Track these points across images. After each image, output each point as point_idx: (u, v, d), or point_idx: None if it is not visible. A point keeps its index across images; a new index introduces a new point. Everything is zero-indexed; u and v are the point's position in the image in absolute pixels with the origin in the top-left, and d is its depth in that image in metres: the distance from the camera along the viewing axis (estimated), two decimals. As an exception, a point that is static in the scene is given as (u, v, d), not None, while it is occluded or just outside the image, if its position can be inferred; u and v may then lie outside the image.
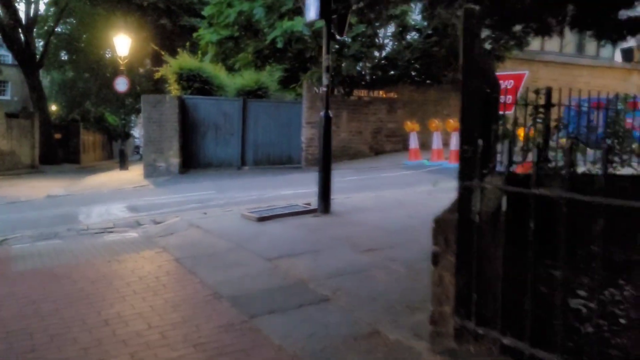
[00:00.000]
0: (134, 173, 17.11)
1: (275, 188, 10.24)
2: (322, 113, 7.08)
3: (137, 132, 62.47)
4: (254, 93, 15.79)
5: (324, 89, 6.99)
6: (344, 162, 15.19)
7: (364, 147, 15.69)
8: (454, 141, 11.86)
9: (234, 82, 17.13)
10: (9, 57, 37.15)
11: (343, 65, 14.17)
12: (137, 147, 63.12)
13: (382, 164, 13.91)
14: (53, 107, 45.32)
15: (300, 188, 9.99)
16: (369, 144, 15.72)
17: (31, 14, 33.67)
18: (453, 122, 12.11)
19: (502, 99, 10.86)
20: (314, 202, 8.00)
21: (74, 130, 38.56)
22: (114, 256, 5.35)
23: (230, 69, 18.82)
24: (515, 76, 10.81)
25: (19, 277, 4.78)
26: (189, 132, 14.57)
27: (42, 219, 7.98)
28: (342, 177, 11.39)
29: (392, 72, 15.38)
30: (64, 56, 40.83)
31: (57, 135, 36.32)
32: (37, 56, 34.48)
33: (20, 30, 31.98)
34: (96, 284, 4.42)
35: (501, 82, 11.13)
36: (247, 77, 16.82)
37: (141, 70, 37.01)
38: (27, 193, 13.59)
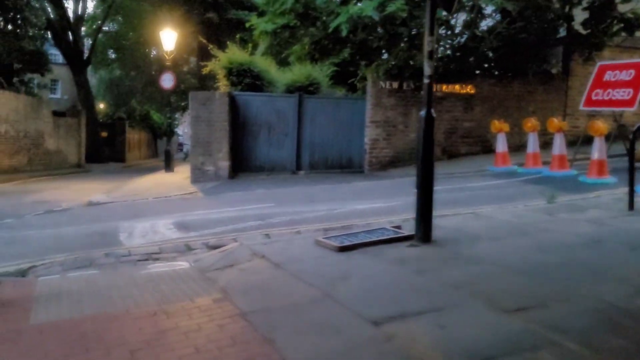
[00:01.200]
0: (180, 176, 16.15)
1: (344, 200, 8.88)
2: (422, 112, 5.65)
3: (180, 130, 62.81)
4: (305, 89, 14.51)
5: (427, 80, 5.54)
6: (413, 167, 13.65)
7: (436, 150, 14.07)
8: (558, 144, 10.12)
9: (284, 78, 15.93)
10: (59, 57, 37.45)
11: (415, 56, 12.65)
12: (181, 145, 63.40)
13: (461, 169, 12.33)
14: (101, 106, 45.81)
15: (374, 201, 8.60)
16: (442, 145, 14.14)
17: (79, 12, 33.72)
18: (557, 122, 10.37)
19: (620, 92, 9.13)
20: (402, 222, 6.61)
21: (120, 128, 38.58)
22: (161, 304, 4.12)
23: (281, 64, 17.64)
24: (636, 65, 9.02)
25: (35, 335, 3.60)
26: (240, 132, 13.43)
27: (79, 236, 6.91)
28: (420, 187, 9.94)
29: (469, 63, 13.73)
30: (111, 54, 41.02)
31: (103, 134, 36.39)
32: (85, 54, 34.59)
33: (68, 28, 31.99)
34: (136, 357, 3.17)
35: (616, 72, 9.38)
36: (297, 72, 15.60)
37: (185, 68, 36.57)
38: (69, 197, 12.79)
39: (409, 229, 6.10)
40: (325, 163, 13.88)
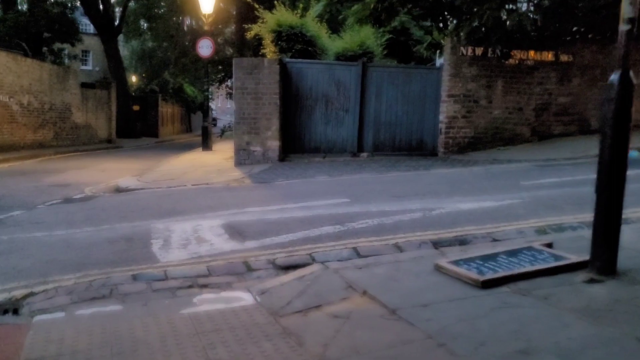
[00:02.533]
0: (220, 156, 14.51)
1: (437, 196, 7.02)
2: (614, 75, 3.74)
3: (213, 105, 61.43)
4: (357, 59, 12.61)
5: (626, 26, 3.60)
6: (498, 150, 11.66)
7: (524, 129, 12.05)
8: None
9: (334, 46, 14.09)
10: (90, 27, 36.36)
11: (506, 17, 10.53)
12: (215, 120, 62.16)
13: (562, 154, 10.28)
14: (133, 78, 44.79)
15: (478, 197, 6.72)
16: (531, 124, 12.05)
17: (109, -23, 32.29)
18: None
19: None
20: (552, 238, 4.75)
21: (153, 101, 37.34)
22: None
23: (334, 29, 15.72)
24: None
25: None
26: (292, 107, 11.64)
27: (98, 242, 5.28)
28: (527, 178, 8.01)
29: (566, 26, 11.50)
30: (143, 24, 39.71)
31: (135, 107, 35.22)
32: (115, 23, 33.24)
33: (98, -6, 30.66)
34: None
35: None
36: (349, 40, 13.76)
37: (220, 39, 34.82)
38: (94, 180, 11.31)
39: (564, 247, 4.27)
40: (391, 144, 11.99)
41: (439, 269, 3.99)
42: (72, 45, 28.55)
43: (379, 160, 11.29)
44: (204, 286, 4.15)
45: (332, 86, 11.67)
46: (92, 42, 40.66)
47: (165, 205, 7.21)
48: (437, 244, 4.85)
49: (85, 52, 45.95)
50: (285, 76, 11.47)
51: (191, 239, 5.28)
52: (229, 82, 28.41)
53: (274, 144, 11.30)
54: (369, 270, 4.11)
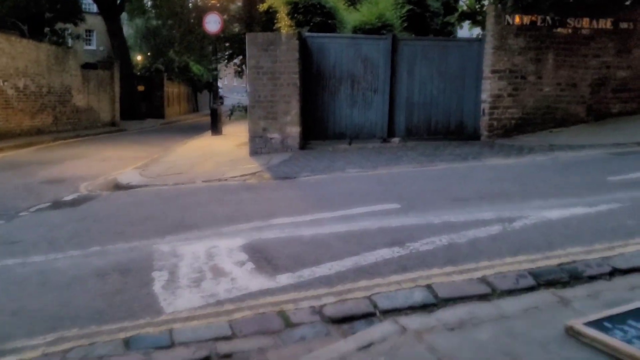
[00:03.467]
0: (232, 143, 13.21)
1: (508, 198, 5.68)
2: None
3: (220, 83, 59.81)
4: (376, 33, 11.20)
5: None
6: (549, 132, 10.26)
7: (578, 108, 10.59)
8: None
9: (351, 18, 12.66)
10: (94, 6, 34.88)
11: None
12: (222, 98, 60.69)
13: (630, 136, 8.87)
14: (138, 58, 43.44)
15: (561, 198, 5.38)
16: (586, 102, 10.59)
17: (110, -49, 30.65)
18: None
19: None
20: None
21: (158, 81, 36.04)
22: None
23: (350, 0, 14.24)
24: None
25: None
26: (313, 87, 10.28)
27: (84, 277, 4.04)
28: (611, 171, 6.67)
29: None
30: (147, 1, 38.12)
31: (140, 88, 33.96)
32: (118, 0, 31.72)
33: (99, -30, 29.15)
34: None
35: None
36: (366, 12, 12.38)
37: (225, 16, 33.14)
38: (92, 172, 10.13)
39: None
40: (426, 128, 10.59)
41: (575, 334, 2.69)
42: (75, 25, 27.29)
43: (415, 147, 9.92)
44: (227, 357, 2.89)
45: (359, 63, 10.25)
46: (95, 22, 39.17)
47: (171, 213, 5.93)
48: (539, 278, 3.56)
49: (89, 32, 44.55)
50: (305, 53, 10.07)
51: (205, 269, 4.01)
52: (236, 60, 26.97)
53: (294, 130, 9.96)
54: (468, 335, 2.83)
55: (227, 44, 25.00)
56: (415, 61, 10.35)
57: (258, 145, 10.03)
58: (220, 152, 11.38)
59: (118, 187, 8.54)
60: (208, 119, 17.25)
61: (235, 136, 14.88)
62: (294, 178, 7.70)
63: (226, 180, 8.07)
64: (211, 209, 6.02)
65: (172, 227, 5.25)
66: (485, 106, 10.24)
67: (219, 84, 66.28)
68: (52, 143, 16.97)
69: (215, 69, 15.19)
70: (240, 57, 25.56)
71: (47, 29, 25.19)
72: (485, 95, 10.22)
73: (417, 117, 10.50)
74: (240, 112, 23.82)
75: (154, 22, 42.52)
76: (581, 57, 10.35)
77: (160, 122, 31.34)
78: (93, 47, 46.14)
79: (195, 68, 45.48)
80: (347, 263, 3.95)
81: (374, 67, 10.25)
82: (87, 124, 22.27)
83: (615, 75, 10.57)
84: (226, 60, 26.96)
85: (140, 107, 32.14)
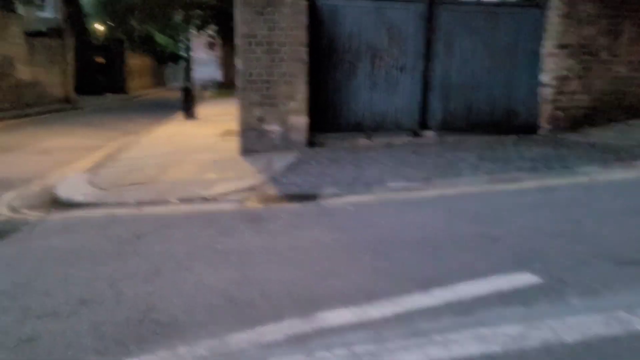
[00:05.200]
0: (211, 131, 10.60)
1: None
2: None
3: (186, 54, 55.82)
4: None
5: None
6: (627, 125, 8.03)
7: None
8: None
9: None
10: (47, -33, 31.01)
11: None
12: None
13: None
14: (98, 27, 39.62)
15: None
16: (666, 88, 8.40)
17: None
18: None
19: None
20: None
21: (118, 52, 32.48)
22: None
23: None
24: None
25: None
26: (323, 64, 7.73)
27: None
28: None
29: None
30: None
31: (99, 59, 30.49)
32: (70, -43, 28.01)
33: None
34: None
35: None
36: None
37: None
38: (27, 174, 7.49)
39: None
40: (465, 117, 8.17)
41: None
42: None
43: (459, 144, 7.52)
44: None
45: (382, 34, 7.73)
46: (49, -14, 35.22)
47: (130, 286, 3.36)
48: None
49: (42, -3, 40.44)
50: (314, 20, 7.47)
51: None
52: (208, 30, 23.93)
53: (300, 121, 7.43)
54: None
55: (198, 11, 21.92)
56: (455, 32, 7.88)
57: (251, 141, 7.48)
58: (200, 147, 8.75)
59: (55, 203, 5.91)
60: (174, 95, 14.46)
61: (213, 122, 12.21)
62: (314, 199, 5.23)
63: (214, 199, 5.53)
64: (198, 274, 3.45)
65: (131, 328, 2.72)
66: (548, 91, 7.90)
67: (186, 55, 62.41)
68: (-15, 126, 13.94)
69: (187, 39, 12.33)
70: (213, 25, 22.60)
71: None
72: (548, 77, 7.88)
73: (454, 103, 8.08)
74: (213, 89, 20.98)
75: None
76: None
77: (122, 97, 28.10)
78: (48, 14, 42.04)
79: (160, 38, 41.85)
80: None
81: (401, 38, 7.75)
82: (34, 101, 19.02)
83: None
84: (197, 29, 23.86)
85: (100, 80, 28.80)
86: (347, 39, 7.67)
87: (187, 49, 12.38)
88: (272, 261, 3.58)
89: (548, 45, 7.84)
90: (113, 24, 38.01)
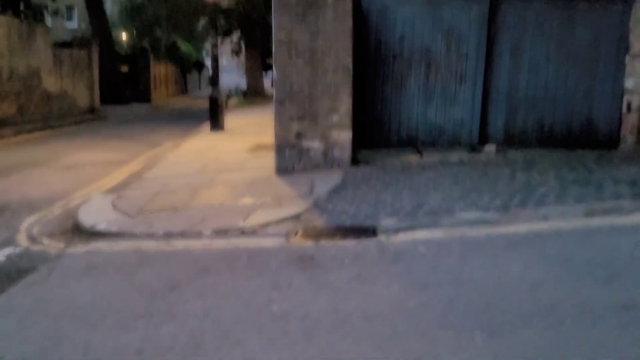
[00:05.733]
0: (240, 144, 9.86)
1: None
2: None
3: (209, 62, 55.54)
4: None
5: None
6: None
7: None
8: None
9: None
10: (73, -22, 31.09)
11: None
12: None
13: None
14: (123, 37, 39.63)
15: None
16: None
17: None
18: None
19: None
20: None
21: (144, 61, 32.15)
22: None
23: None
24: None
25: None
26: (368, 73, 6.91)
27: None
28: None
29: None
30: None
31: (124, 68, 30.19)
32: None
33: None
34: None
35: None
36: None
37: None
38: (47, 195, 6.86)
39: None
40: (537, 131, 7.25)
41: None
42: (53, 0, 23.60)
43: (527, 161, 6.60)
44: None
45: (438, 38, 6.90)
46: (78, -2, 35.42)
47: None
48: None
49: (69, 8, 40.68)
50: (359, 24, 6.67)
51: None
52: (233, 37, 23.37)
53: (344, 137, 6.63)
54: None
55: (222, 18, 21.35)
56: (524, 35, 7.00)
57: (289, 159, 6.70)
58: (230, 164, 8.00)
59: (77, 231, 5.22)
60: (199, 103, 13.82)
61: (241, 134, 11.49)
62: (373, 234, 4.40)
63: (254, 232, 4.74)
64: (252, 352, 2.64)
65: None
66: (634, 99, 6.94)
67: (208, 61, 62.27)
68: (12, 138, 13.47)
69: (215, 46, 11.65)
70: (239, 32, 22.04)
71: (22, 5, 21.37)
72: (631, 83, 6.93)
73: (522, 116, 7.18)
74: (239, 96, 20.37)
75: (139, -2, 38.54)
76: None
77: (147, 107, 27.69)
78: (74, 24, 42.23)
79: (184, 47, 41.63)
80: None
81: (461, 43, 6.91)
82: (61, 113, 18.61)
83: None
84: (222, 36, 23.33)
85: (125, 90, 28.43)
86: (398, 44, 6.86)
87: (215, 57, 11.66)
88: (345, 336, 2.73)
89: (637, 46, 6.86)
90: (139, 34, 37.89)
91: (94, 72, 21.93)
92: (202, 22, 27.42)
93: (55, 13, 26.90)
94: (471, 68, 6.92)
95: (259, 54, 21.69)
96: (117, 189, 6.96)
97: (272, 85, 6.18)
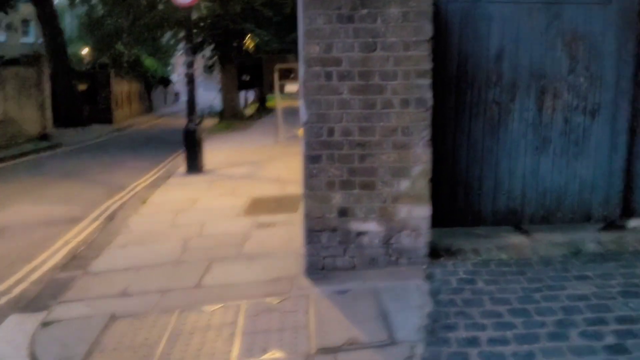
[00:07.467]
0: (231, 200, 7.09)
1: None
2: None
3: (175, 77, 52.10)
4: None
5: None
6: None
7: None
8: None
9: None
10: (30, -6, 27.99)
11: None
12: (177, 95, 53.12)
13: None
14: (84, 52, 36.53)
15: None
16: None
17: None
18: None
19: None
20: None
21: (103, 79, 29.06)
22: None
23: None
24: None
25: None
26: (446, 107, 4.28)
27: None
28: None
29: None
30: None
31: (82, 87, 27.07)
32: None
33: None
34: None
35: None
36: None
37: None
38: None
39: None
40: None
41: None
42: (6, 12, 20.84)
43: None
44: None
45: (557, 49, 4.32)
46: (34, 11, 32.13)
47: None
48: None
49: (25, 22, 37.34)
50: (441, 33, 4.05)
51: None
52: (206, 51, 20.61)
53: (418, 214, 3.96)
54: None
55: (195, 30, 18.45)
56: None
57: (327, 250, 4.01)
58: (224, 243, 5.21)
59: None
60: (167, 122, 11.01)
61: (228, 177, 8.71)
62: None
63: None
64: None
65: None
66: None
67: (173, 76, 58.95)
68: None
69: (191, 65, 8.82)
70: (213, 46, 19.29)
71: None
72: None
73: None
74: (214, 118, 17.64)
75: (100, 10, 35.39)
76: None
77: (109, 128, 24.53)
78: (30, 39, 38.71)
79: (148, 62, 38.47)
80: None
81: (590, 57, 4.34)
82: (4, 142, 15.41)
83: None
84: (193, 51, 20.37)
85: (83, 110, 25.26)
86: (494, 61, 4.26)
87: (190, 77, 8.86)
88: None
89: None
90: (99, 49, 34.55)
91: (45, 92, 18.76)
92: (168, 34, 24.50)
93: (8, 27, 23.72)
94: (607, 93, 4.36)
95: (235, 70, 19.05)
96: (46, 297, 4.18)
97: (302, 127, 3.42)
